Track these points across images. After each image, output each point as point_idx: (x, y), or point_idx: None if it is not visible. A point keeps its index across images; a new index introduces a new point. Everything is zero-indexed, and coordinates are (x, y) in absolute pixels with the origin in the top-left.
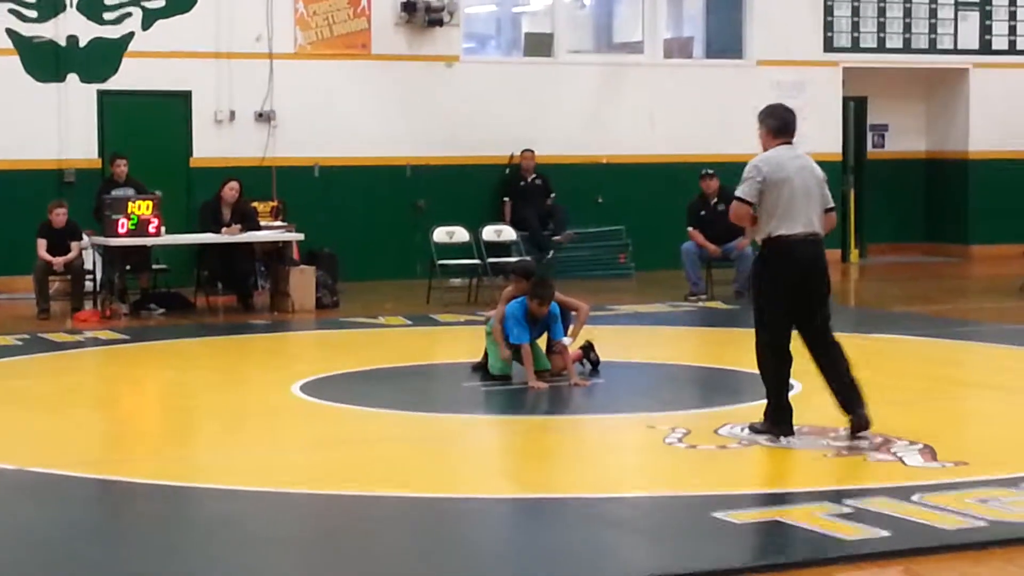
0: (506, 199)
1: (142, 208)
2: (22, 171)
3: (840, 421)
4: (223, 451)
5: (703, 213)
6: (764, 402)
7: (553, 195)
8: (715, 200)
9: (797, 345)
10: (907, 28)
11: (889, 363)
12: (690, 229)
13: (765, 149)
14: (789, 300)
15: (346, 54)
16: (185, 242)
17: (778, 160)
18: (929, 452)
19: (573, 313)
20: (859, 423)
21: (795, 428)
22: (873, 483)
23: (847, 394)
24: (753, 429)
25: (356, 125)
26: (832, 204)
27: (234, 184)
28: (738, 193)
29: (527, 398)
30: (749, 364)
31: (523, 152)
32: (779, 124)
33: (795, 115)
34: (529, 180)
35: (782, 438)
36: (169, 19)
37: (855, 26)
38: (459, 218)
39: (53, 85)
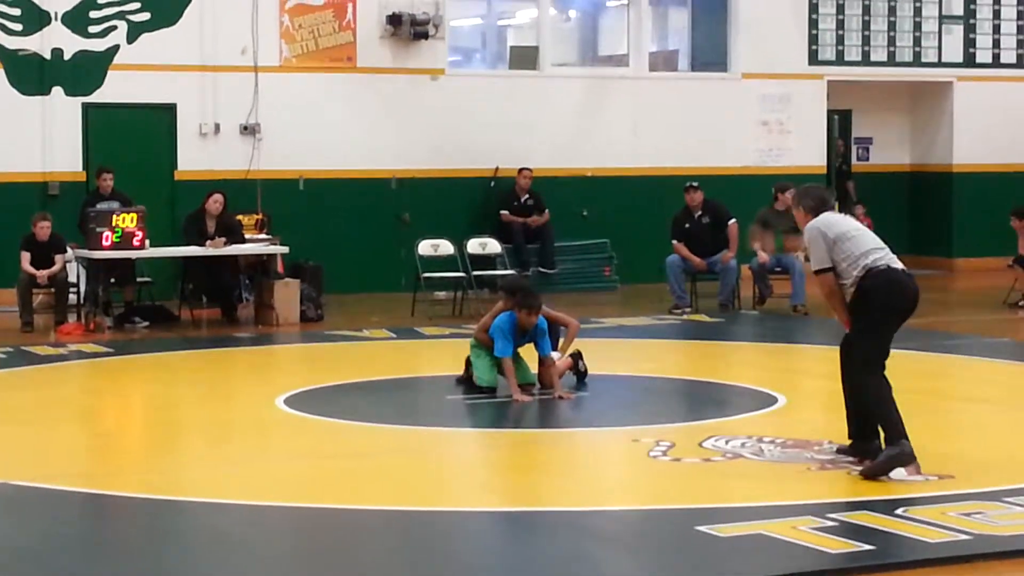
0: (504, 211)
1: (127, 221)
2: (6, 184)
3: (823, 435)
4: (208, 464)
5: (687, 226)
6: (747, 415)
7: (547, 212)
8: (699, 213)
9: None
10: (891, 41)
11: None
12: (674, 242)
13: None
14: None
15: (331, 67)
16: (169, 255)
17: (827, 220)
18: (913, 466)
19: (563, 328)
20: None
21: (782, 441)
22: (857, 496)
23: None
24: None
25: (341, 138)
26: None
27: (218, 196)
28: (815, 267)
29: (511, 411)
30: (733, 377)
31: (520, 171)
32: (815, 203)
33: (832, 195)
34: (523, 200)
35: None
36: (154, 32)
37: (840, 39)
38: (444, 231)
39: (38, 98)
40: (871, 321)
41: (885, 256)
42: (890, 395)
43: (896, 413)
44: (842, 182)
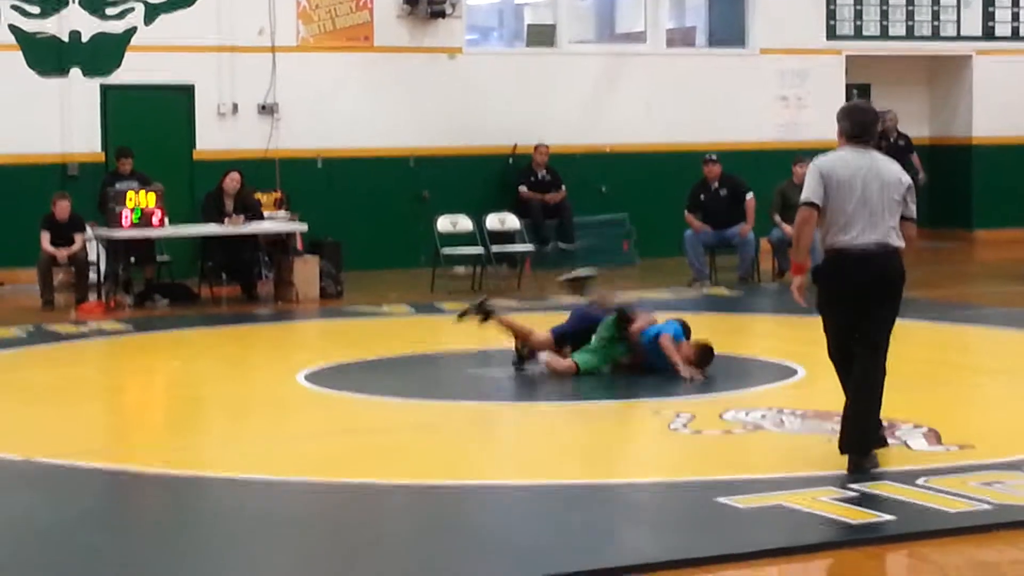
0: (523, 188)
1: (146, 200)
2: (26, 165)
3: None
4: (228, 441)
5: (703, 197)
6: (767, 387)
7: (564, 188)
8: (716, 185)
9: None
10: (910, 15)
11: (893, 347)
12: (687, 212)
13: None
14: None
15: (349, 46)
16: (189, 234)
17: (839, 156)
18: (934, 436)
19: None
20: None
21: (802, 413)
22: (878, 467)
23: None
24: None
25: (359, 117)
26: (912, 215)
27: (234, 175)
28: (801, 197)
29: (531, 385)
30: (753, 349)
31: (537, 147)
32: (851, 127)
33: (875, 115)
34: (540, 176)
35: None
36: (171, 13)
37: (858, 14)
38: (462, 207)
39: (56, 79)
40: (819, 308)
41: (852, 234)
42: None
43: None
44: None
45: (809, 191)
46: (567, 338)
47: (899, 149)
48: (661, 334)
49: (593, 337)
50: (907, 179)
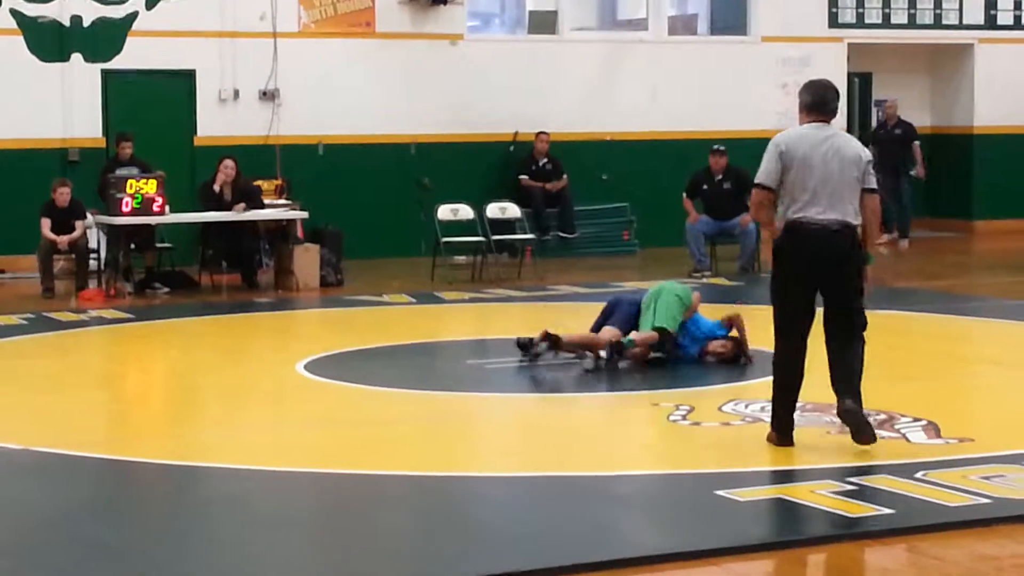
0: (524, 176)
1: (146, 187)
2: (26, 150)
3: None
4: (228, 430)
5: (705, 187)
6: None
7: (565, 176)
8: (720, 177)
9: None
10: (912, 3)
11: (892, 339)
12: (684, 195)
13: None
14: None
15: (350, 32)
16: (189, 221)
17: (799, 134)
18: (933, 429)
19: None
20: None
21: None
22: (877, 460)
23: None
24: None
25: (360, 103)
26: (874, 186)
27: (229, 162)
28: (756, 178)
29: (531, 377)
30: (752, 340)
31: (538, 135)
32: (811, 100)
33: (835, 92)
34: (541, 164)
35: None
36: None
37: (860, 2)
38: (463, 196)
39: (57, 65)
40: (774, 284)
41: (815, 211)
42: (780, 368)
43: (777, 391)
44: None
45: (764, 174)
46: (608, 322)
47: (895, 139)
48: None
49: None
50: (867, 155)
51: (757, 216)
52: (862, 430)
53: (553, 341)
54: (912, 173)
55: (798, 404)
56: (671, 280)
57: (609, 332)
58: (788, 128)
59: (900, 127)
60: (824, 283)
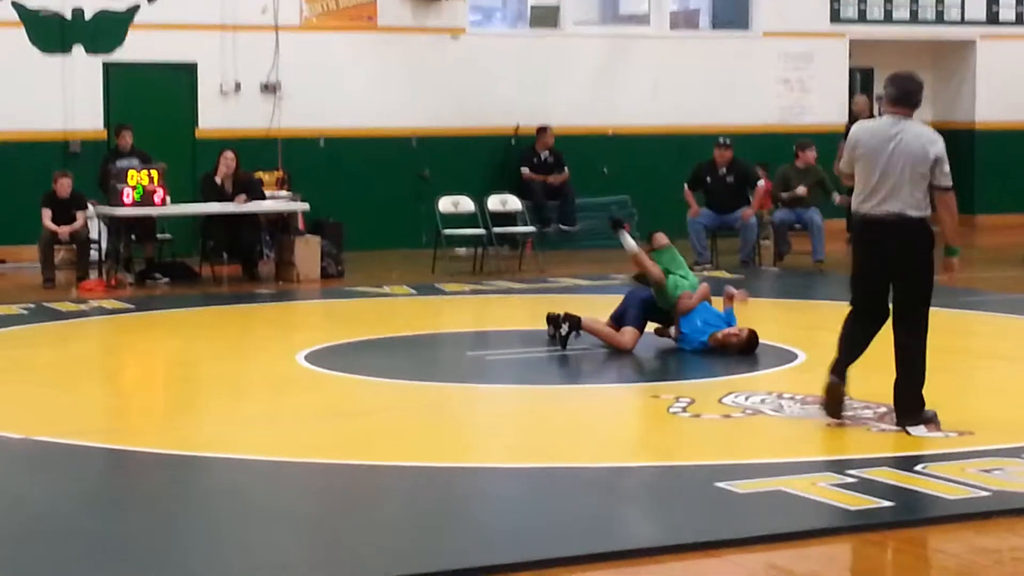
0: (525, 169)
1: (147, 178)
2: (28, 142)
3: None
4: (228, 420)
5: (708, 180)
6: (767, 371)
7: (567, 169)
8: (724, 171)
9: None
10: None
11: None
12: (686, 186)
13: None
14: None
15: (352, 26)
16: (190, 212)
17: (870, 128)
18: (934, 423)
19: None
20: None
21: (802, 397)
22: (876, 453)
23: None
24: None
25: (362, 96)
26: (943, 183)
27: (229, 154)
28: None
29: (530, 368)
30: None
31: (543, 129)
32: (895, 92)
33: (919, 85)
34: (542, 157)
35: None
36: None
37: None
38: (464, 188)
39: (59, 57)
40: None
41: (873, 203)
42: (846, 334)
43: (841, 352)
44: None
45: (843, 162)
46: (624, 318)
47: (549, 166)
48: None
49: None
50: (936, 152)
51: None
52: (829, 407)
53: (574, 323)
54: None
55: (798, 396)
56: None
57: (630, 333)
58: (789, 123)
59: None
60: (887, 272)
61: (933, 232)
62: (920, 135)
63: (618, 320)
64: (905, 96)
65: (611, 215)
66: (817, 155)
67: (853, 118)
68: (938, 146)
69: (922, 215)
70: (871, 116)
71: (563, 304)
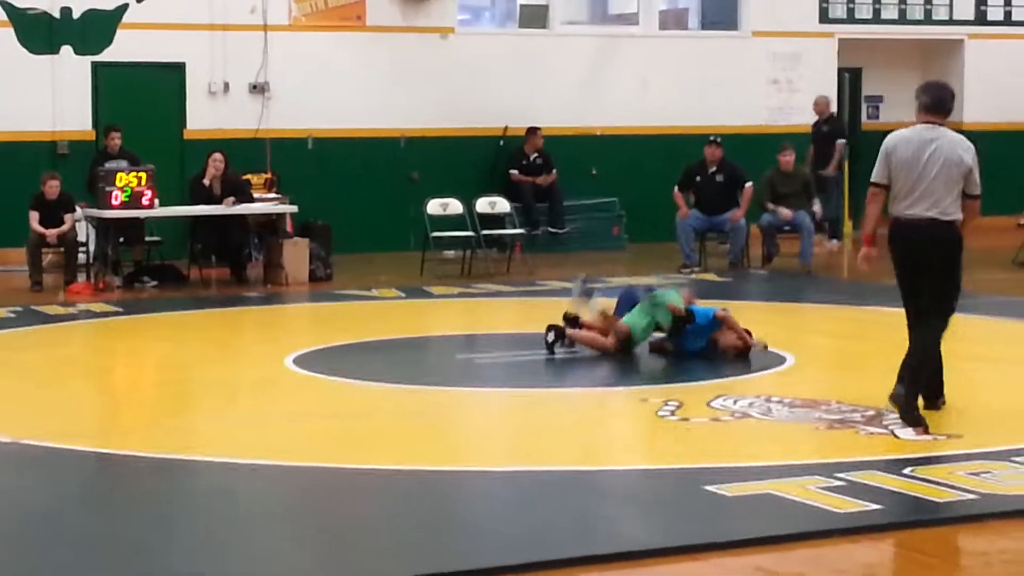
0: (514, 171)
1: (136, 180)
2: (15, 143)
3: (832, 394)
4: (216, 423)
5: (698, 179)
6: (756, 374)
7: (555, 171)
8: (713, 169)
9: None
10: None
11: (882, 335)
12: (676, 188)
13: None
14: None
15: (340, 26)
16: (178, 214)
17: (906, 136)
18: (921, 426)
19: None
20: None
21: (790, 401)
22: (865, 456)
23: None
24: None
25: (350, 97)
26: (974, 192)
27: (218, 156)
28: (871, 177)
29: (519, 371)
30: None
31: (532, 131)
32: (929, 101)
33: (952, 94)
34: (531, 159)
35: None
36: None
37: None
38: (453, 190)
39: (47, 57)
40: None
41: (905, 205)
42: (912, 354)
43: (906, 371)
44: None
45: (875, 172)
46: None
47: (822, 136)
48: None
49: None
50: (968, 160)
51: (868, 208)
52: (906, 418)
53: (559, 332)
54: (829, 171)
55: (787, 400)
56: (670, 290)
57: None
58: (778, 123)
59: (828, 124)
60: (920, 272)
61: (962, 236)
62: (956, 143)
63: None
64: (939, 104)
65: (584, 284)
66: (795, 156)
67: (703, 166)
68: (972, 154)
69: (954, 219)
70: (830, 116)
71: (549, 306)
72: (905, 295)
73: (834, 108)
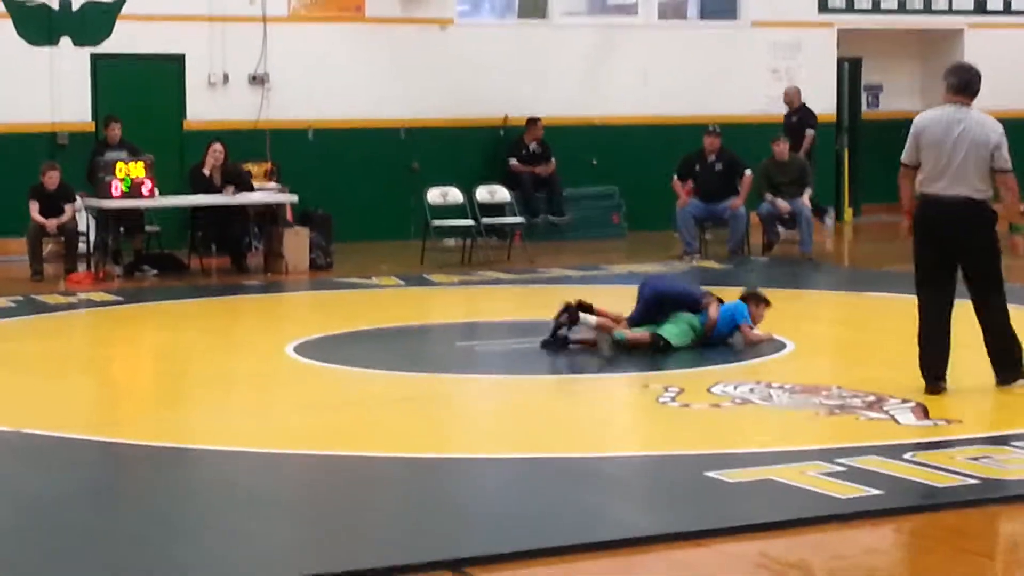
0: (513, 160)
1: (135, 170)
2: (15, 134)
3: (832, 380)
4: (217, 412)
5: (697, 168)
6: (756, 360)
7: (553, 160)
8: (712, 158)
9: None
10: None
11: (882, 321)
12: (675, 177)
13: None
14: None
15: (340, 16)
16: (179, 204)
17: (934, 117)
18: (921, 410)
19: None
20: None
21: (790, 387)
22: (865, 441)
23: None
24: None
25: (350, 87)
26: (1003, 167)
27: (217, 146)
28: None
29: (519, 359)
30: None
31: (532, 121)
32: (956, 82)
33: (979, 76)
34: (530, 148)
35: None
36: None
37: None
38: (453, 179)
39: (46, 48)
40: (913, 247)
41: (938, 184)
42: (923, 324)
43: (922, 345)
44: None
45: (905, 152)
46: (640, 323)
47: (792, 126)
48: (741, 325)
49: (677, 321)
50: (996, 138)
51: (900, 188)
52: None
53: (572, 317)
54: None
55: (787, 386)
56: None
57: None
58: (778, 113)
59: (797, 114)
60: (953, 251)
61: (995, 212)
62: (983, 123)
63: (636, 324)
64: (966, 85)
65: (569, 309)
66: (789, 144)
67: (702, 155)
68: (999, 131)
69: (984, 197)
70: (800, 105)
71: (553, 294)
72: (923, 273)
73: (804, 99)
